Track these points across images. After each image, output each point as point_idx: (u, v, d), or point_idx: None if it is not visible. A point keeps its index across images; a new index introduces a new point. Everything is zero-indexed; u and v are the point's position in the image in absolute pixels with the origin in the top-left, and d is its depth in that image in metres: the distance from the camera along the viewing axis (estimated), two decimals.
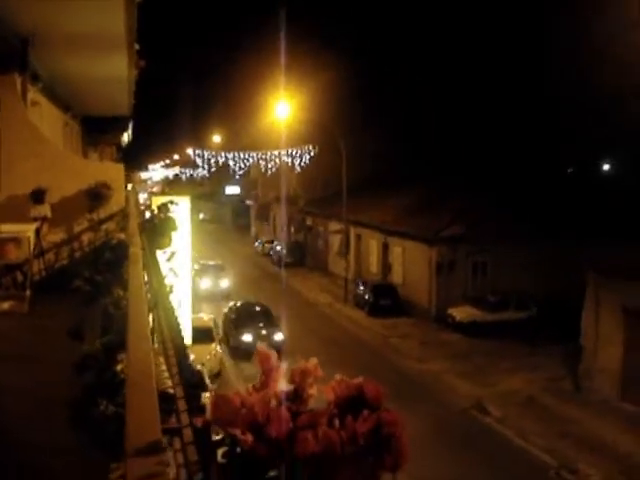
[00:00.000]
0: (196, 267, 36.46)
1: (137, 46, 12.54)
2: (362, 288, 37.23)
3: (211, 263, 40.97)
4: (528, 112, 44.77)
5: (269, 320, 28.71)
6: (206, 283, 37.86)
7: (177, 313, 5.62)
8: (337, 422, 2.24)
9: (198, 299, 30.40)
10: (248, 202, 69.41)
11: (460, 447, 19.09)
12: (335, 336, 30.77)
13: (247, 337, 27.09)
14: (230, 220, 77.65)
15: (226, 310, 31.05)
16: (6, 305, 9.23)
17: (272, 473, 2.18)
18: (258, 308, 30.13)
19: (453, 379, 24.80)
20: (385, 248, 39.41)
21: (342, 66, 44.12)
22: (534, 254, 31.28)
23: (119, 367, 3.55)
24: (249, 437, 2.14)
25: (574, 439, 19.44)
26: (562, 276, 29.11)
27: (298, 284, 43.26)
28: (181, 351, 4.08)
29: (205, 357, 21.60)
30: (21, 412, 5.06)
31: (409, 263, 36.49)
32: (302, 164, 50.26)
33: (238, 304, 31.18)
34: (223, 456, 2.31)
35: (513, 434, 20.06)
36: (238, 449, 2.27)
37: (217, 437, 2.43)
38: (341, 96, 44.87)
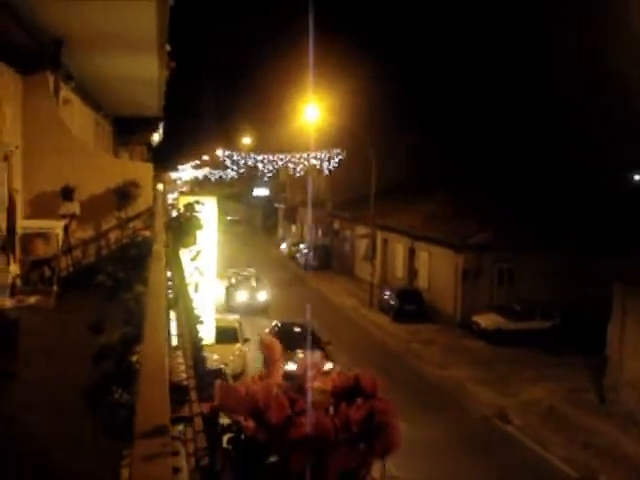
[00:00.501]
0: (231, 278, 36.03)
1: (168, 47, 12.76)
2: (388, 293, 37.21)
3: (245, 273, 37.89)
4: (539, 113, 44.75)
5: (314, 343, 24.21)
6: (242, 296, 35.10)
7: (197, 311, 5.74)
8: (332, 409, 2.33)
9: (232, 312, 30.59)
10: (276, 205, 69.72)
11: (480, 454, 19.03)
12: (359, 340, 30.81)
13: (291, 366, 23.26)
14: (258, 222, 78.04)
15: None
16: (33, 299, 9.44)
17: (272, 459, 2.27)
18: (299, 329, 25.65)
19: (475, 386, 24.70)
20: (411, 253, 39.35)
21: (374, 69, 44.22)
22: (558, 263, 31.09)
23: (135, 358, 3.67)
24: (251, 423, 2.24)
25: (596, 450, 19.26)
26: (586, 286, 28.91)
27: (324, 287, 43.34)
28: (197, 346, 4.19)
29: (229, 357, 21.75)
30: (40, 401, 5.21)
31: (435, 269, 36.40)
32: (331, 167, 50.38)
33: (279, 325, 26.91)
34: (228, 442, 2.41)
35: (534, 443, 19.93)
36: (242, 436, 2.36)
37: (224, 422, 2.53)
38: (372, 100, 44.90)
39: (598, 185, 36.54)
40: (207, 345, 6.85)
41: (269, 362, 2.56)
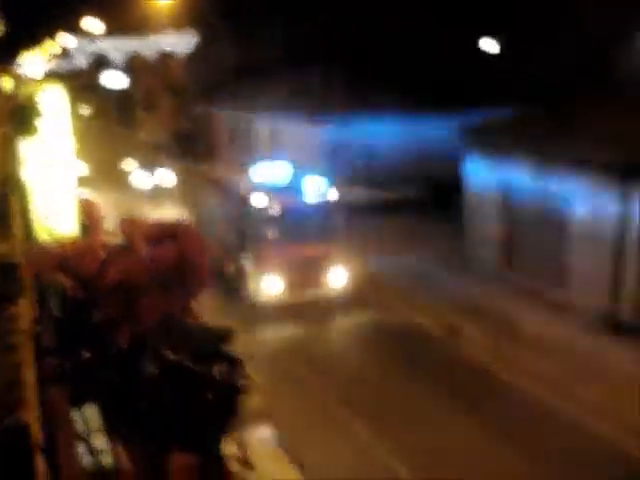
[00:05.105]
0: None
1: None
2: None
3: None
4: None
5: None
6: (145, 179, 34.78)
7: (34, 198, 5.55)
8: (143, 253, 2.34)
9: None
10: (131, 93, 66.89)
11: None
12: None
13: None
14: (113, 114, 74.74)
15: None
16: None
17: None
18: None
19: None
20: (275, 132, 39.34)
21: None
22: (411, 132, 31.93)
23: None
24: (68, 280, 2.23)
25: (457, 305, 20.55)
26: (448, 153, 29.90)
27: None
28: (29, 229, 4.06)
29: None
30: None
31: (299, 145, 36.55)
32: (187, 51, 48.65)
33: None
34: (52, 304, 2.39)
35: (403, 305, 21.11)
36: (67, 299, 2.35)
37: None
38: None
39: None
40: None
41: (90, 224, 2.52)
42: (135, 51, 53.71)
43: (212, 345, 5.97)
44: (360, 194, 31.58)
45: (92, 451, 6.04)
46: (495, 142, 23.50)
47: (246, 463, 6.58)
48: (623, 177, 18.03)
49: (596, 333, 18.09)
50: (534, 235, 21.75)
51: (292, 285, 19.75)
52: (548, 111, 23.07)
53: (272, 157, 39.02)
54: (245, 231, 20.30)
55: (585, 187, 19.38)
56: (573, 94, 23.82)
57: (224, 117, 45.22)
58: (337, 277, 20.56)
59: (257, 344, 17.37)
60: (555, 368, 16.45)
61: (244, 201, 20.17)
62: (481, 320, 19.32)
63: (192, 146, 50.35)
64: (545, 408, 14.96)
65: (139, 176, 34.64)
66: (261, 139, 41.21)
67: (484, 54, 36.05)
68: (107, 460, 6.10)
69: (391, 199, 30.59)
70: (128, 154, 47.60)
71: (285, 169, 21.65)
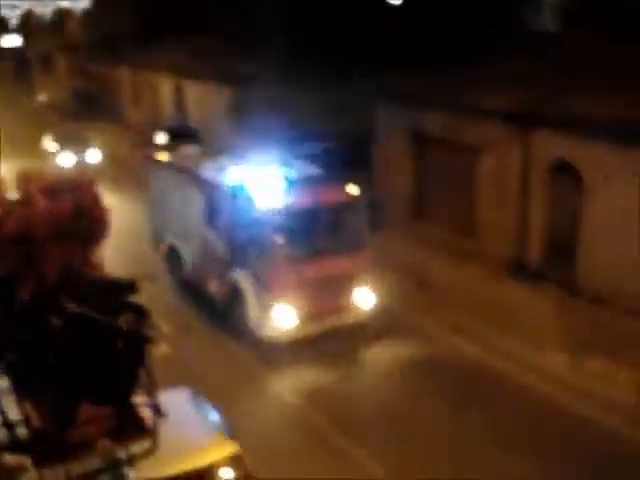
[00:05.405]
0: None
1: None
2: (162, 136, 36.54)
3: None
4: None
5: None
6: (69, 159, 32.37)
7: None
8: (41, 206, 2.46)
9: None
10: (29, 54, 64.17)
11: None
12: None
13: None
14: (10, 74, 71.53)
15: None
16: None
17: None
18: None
19: None
20: (180, 92, 38.62)
21: None
22: (327, 87, 31.99)
23: None
24: None
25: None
26: (356, 109, 30.07)
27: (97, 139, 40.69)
28: None
29: None
30: None
31: (205, 106, 36.12)
32: (85, 7, 46.95)
33: None
34: None
35: None
36: None
37: None
38: None
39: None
40: None
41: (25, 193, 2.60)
42: (30, 9, 51.37)
43: (116, 296, 6.04)
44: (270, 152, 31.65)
45: (6, 423, 6.09)
46: (405, 95, 23.71)
47: (158, 411, 6.73)
48: (524, 126, 18.75)
49: (506, 280, 18.55)
50: (444, 186, 22.29)
51: (311, 312, 14.62)
52: (456, 65, 23.38)
53: (178, 117, 38.75)
54: (241, 240, 14.99)
55: (491, 137, 19.91)
56: (481, 47, 24.14)
57: (126, 76, 44.05)
58: (365, 296, 15.58)
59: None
60: (467, 316, 16.61)
61: (237, 200, 15.07)
62: (394, 272, 18.84)
63: (91, 106, 48.78)
64: (463, 354, 15.08)
65: (55, 150, 33.06)
66: (166, 99, 40.46)
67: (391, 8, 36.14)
68: (22, 431, 6.15)
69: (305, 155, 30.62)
70: (27, 119, 45.89)
71: (276, 157, 17.05)
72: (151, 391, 6.60)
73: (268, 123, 33.65)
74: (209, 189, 16.18)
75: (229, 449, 7.85)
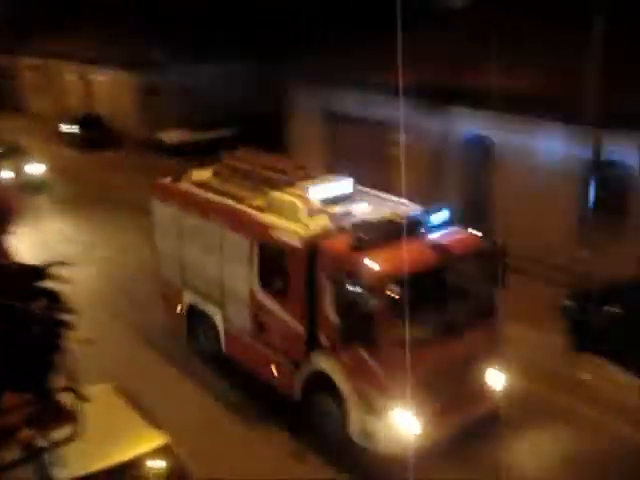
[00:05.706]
0: None
1: None
2: (68, 126, 35.60)
3: None
4: None
5: None
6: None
7: None
8: None
9: None
10: None
11: None
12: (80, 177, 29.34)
13: None
14: None
15: None
16: None
17: None
18: None
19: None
20: (86, 80, 37.64)
21: None
22: (237, 71, 31.86)
23: None
24: None
25: None
26: (265, 92, 30.04)
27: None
28: None
29: None
30: None
31: (114, 93, 35.36)
32: None
33: None
34: None
35: None
36: None
37: None
38: None
39: None
40: None
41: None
42: None
43: (29, 282, 5.90)
44: (179, 135, 31.40)
45: None
46: (318, 75, 23.82)
47: (78, 395, 6.65)
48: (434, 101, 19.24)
49: None
50: (360, 164, 22.54)
51: (438, 411, 10.44)
52: (362, 45, 23.61)
53: (84, 106, 37.53)
54: (327, 315, 10.62)
55: (404, 113, 20.24)
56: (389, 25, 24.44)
57: (28, 64, 42.57)
58: (496, 379, 11.30)
59: None
60: None
61: (324, 258, 10.63)
62: None
63: None
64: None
65: None
66: (71, 87, 39.36)
67: None
68: None
69: (211, 138, 30.42)
70: None
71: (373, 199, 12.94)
72: (71, 376, 6.51)
73: (177, 109, 33.25)
74: (273, 242, 11.41)
75: (157, 441, 7.87)
